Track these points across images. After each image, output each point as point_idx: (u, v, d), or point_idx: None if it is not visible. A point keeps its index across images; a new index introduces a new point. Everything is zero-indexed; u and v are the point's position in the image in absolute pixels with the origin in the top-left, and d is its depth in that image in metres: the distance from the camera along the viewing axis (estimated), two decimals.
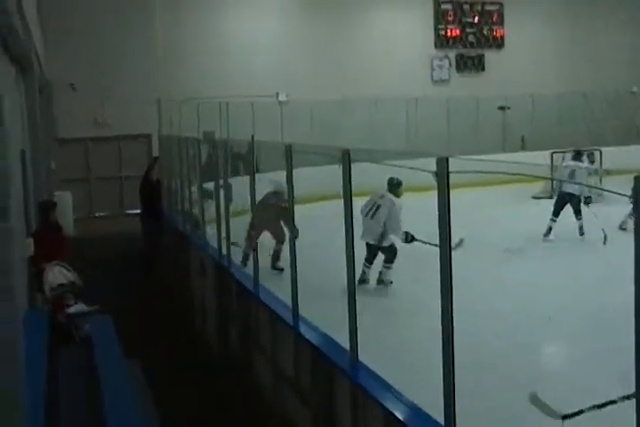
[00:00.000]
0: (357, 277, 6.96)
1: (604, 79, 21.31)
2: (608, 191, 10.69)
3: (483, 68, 21.53)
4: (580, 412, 3.98)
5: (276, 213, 8.13)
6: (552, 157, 15.17)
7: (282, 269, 8.18)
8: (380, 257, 8.13)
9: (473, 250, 8.83)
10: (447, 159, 3.52)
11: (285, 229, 7.46)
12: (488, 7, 21.55)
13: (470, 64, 21.43)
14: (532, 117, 19.84)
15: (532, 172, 13.13)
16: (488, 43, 21.59)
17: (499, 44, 21.75)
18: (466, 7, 21.24)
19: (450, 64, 21.17)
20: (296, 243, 5.87)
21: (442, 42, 21.09)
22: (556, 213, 11.02)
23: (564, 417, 3.90)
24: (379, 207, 7.96)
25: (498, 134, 19.76)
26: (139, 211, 13.49)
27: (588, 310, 6.86)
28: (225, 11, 18.19)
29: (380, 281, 8.19)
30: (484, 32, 21.54)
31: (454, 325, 3.49)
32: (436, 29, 21.01)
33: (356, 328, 4.64)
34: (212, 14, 17.91)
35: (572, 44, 21.96)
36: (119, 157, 17.41)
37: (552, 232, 10.80)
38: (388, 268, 8.17)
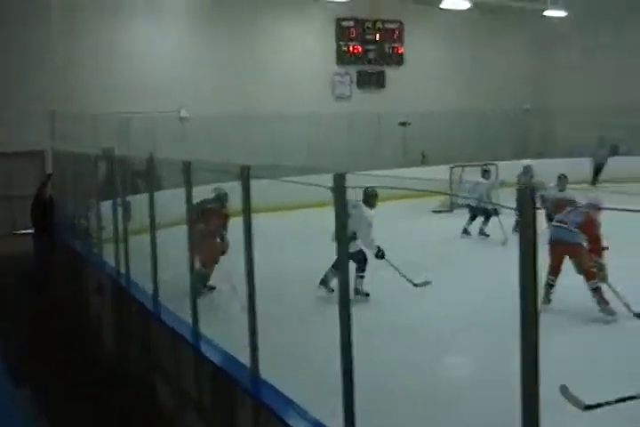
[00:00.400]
0: None
1: (500, 97, 22.25)
2: (497, 205, 11.25)
3: (383, 85, 22.06)
4: (605, 404, 4.20)
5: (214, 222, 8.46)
6: (451, 171, 15.67)
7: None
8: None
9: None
10: (344, 175, 3.59)
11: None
12: (388, 25, 22.13)
13: (371, 80, 21.93)
14: (432, 133, 20.43)
15: (432, 187, 13.57)
16: (388, 60, 22.16)
17: (398, 61, 22.35)
18: (367, 25, 21.74)
19: (351, 80, 21.57)
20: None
21: (343, 58, 21.46)
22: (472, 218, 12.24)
23: (587, 407, 4.14)
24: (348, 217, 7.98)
25: (398, 150, 20.24)
26: (31, 230, 12.93)
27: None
28: (127, 23, 17.72)
29: (357, 291, 8.16)
30: (385, 49, 22.10)
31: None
32: (338, 46, 21.39)
33: (257, 344, 4.59)
34: (114, 25, 17.38)
35: (470, 63, 22.81)
36: (9, 175, 16.53)
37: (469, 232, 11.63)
38: (361, 277, 8.26)
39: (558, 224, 7.51)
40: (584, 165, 19.63)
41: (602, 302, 7.19)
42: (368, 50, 21.87)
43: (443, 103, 21.20)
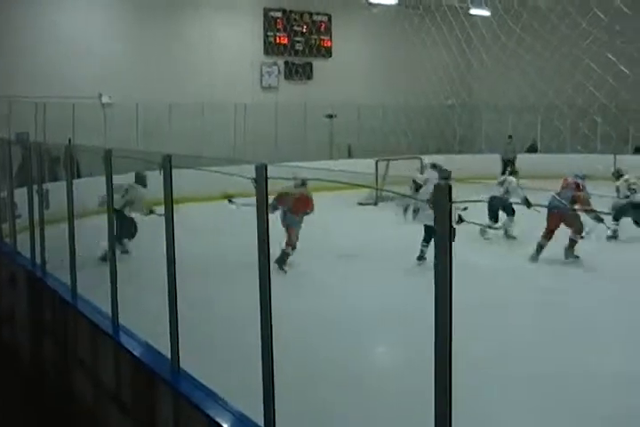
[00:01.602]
0: None
1: (425, 92, 22.58)
2: (418, 200, 11.40)
3: (311, 77, 22.13)
4: None
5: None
6: (377, 164, 15.84)
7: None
8: None
9: (308, 257, 9.09)
10: (265, 166, 3.57)
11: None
12: (316, 18, 22.21)
13: (298, 72, 21.96)
14: (358, 126, 20.63)
15: (359, 179, 13.71)
16: (316, 52, 22.23)
17: (326, 53, 22.45)
18: (295, 16, 21.73)
19: (279, 71, 21.55)
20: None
21: (271, 49, 21.44)
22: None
23: None
24: None
25: (325, 142, 20.36)
26: None
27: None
28: (50, 7, 17.12)
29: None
30: (312, 41, 22.16)
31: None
32: (266, 36, 21.30)
33: (178, 334, 4.54)
34: (35, 9, 16.79)
35: (396, 57, 22.98)
36: None
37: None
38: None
39: (559, 199, 9.74)
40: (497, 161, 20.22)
41: (570, 251, 9.60)
42: (296, 41, 21.90)
43: (369, 97, 21.44)
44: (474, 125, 24.37)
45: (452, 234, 2.62)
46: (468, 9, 23.07)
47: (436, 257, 2.68)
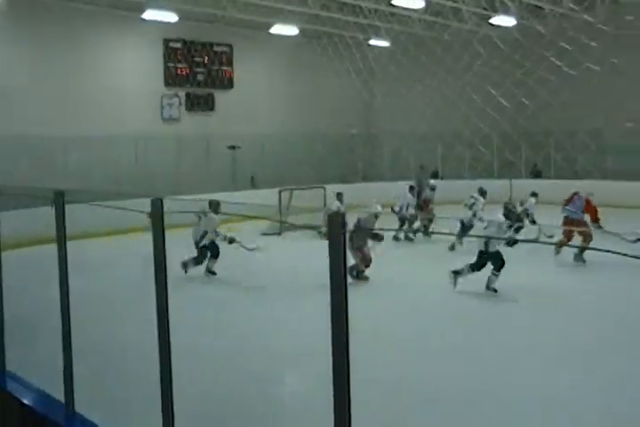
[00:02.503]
0: None
1: (328, 122, 22.97)
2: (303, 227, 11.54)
3: (213, 108, 22.05)
4: None
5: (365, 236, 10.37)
6: (280, 194, 15.85)
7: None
8: None
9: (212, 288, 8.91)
10: (161, 200, 3.55)
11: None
12: (217, 48, 22.21)
13: (200, 103, 21.83)
14: (262, 157, 20.66)
15: (262, 211, 13.66)
16: (218, 83, 22.19)
17: (228, 84, 22.46)
18: (195, 47, 21.64)
19: (180, 102, 21.34)
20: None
21: (172, 80, 21.18)
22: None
23: None
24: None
25: (228, 173, 20.25)
26: None
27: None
28: None
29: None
30: (214, 72, 22.13)
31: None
32: (166, 67, 21.07)
33: (72, 378, 4.33)
34: None
35: (299, 88, 23.35)
36: None
37: None
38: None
39: (569, 209, 11.72)
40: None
41: (580, 256, 11.29)
42: (197, 72, 21.78)
43: (273, 127, 21.59)
44: (378, 154, 24.90)
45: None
46: (368, 40, 23.75)
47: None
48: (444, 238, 12.75)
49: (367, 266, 10.39)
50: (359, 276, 10.36)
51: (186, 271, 10.57)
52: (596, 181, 18.90)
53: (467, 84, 20.25)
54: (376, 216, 10.54)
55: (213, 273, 10.84)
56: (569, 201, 11.93)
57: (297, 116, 22.90)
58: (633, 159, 20.16)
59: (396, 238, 14.44)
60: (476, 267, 9.37)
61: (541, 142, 21.69)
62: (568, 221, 11.73)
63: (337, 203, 15.09)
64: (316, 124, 22.60)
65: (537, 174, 23.18)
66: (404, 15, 22.10)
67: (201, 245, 10.84)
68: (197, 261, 10.80)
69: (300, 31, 21.79)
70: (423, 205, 15.20)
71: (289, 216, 15.07)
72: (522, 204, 13.21)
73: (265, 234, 14.84)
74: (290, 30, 21.37)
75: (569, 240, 11.82)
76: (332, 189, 16.53)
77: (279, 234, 14.82)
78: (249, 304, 8.76)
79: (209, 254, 10.85)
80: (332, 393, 2.64)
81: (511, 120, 20.72)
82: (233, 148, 20.44)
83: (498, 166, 22.95)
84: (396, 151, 24.06)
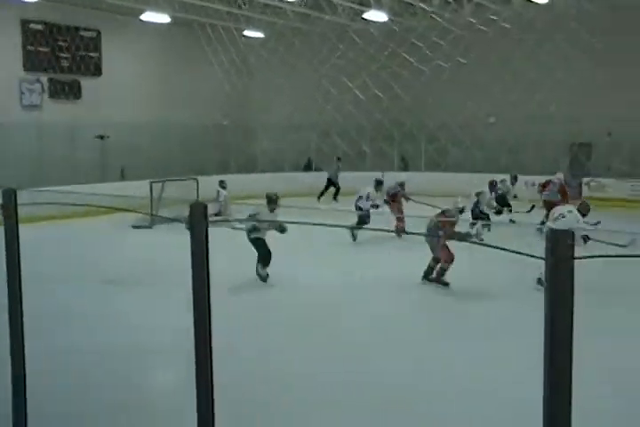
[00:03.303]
0: None
1: (202, 112, 22.41)
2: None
3: (79, 95, 20.89)
4: None
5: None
6: (151, 186, 15.25)
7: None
8: None
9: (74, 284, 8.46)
10: (15, 191, 3.47)
11: None
12: (83, 33, 21.02)
13: (65, 90, 20.58)
14: (132, 147, 19.83)
15: (132, 203, 13.10)
16: (84, 69, 21.00)
17: (96, 71, 21.34)
18: (59, 30, 20.27)
19: (43, 89, 20.03)
20: None
21: (32, 65, 19.73)
22: None
23: None
24: None
25: (97, 163, 19.29)
26: None
27: None
28: None
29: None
30: (80, 58, 20.90)
31: None
32: (26, 51, 19.61)
33: None
34: None
35: (172, 77, 22.58)
36: None
37: None
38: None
39: (547, 193, 13.82)
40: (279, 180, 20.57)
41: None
42: (61, 57, 20.43)
43: (144, 116, 20.77)
44: (253, 145, 24.66)
45: None
46: (243, 30, 23.41)
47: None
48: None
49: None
50: (442, 280, 9.24)
51: None
52: (465, 174, 19.66)
53: (340, 74, 20.45)
54: (461, 211, 9.83)
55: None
56: (545, 187, 14.05)
57: (170, 105, 22.13)
58: (497, 153, 21.12)
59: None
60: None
61: (413, 134, 22.27)
62: (547, 203, 13.38)
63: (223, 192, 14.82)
64: (190, 115, 22.01)
65: (405, 166, 23.83)
66: (279, 7, 21.94)
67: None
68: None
69: (173, 19, 21.08)
70: (390, 201, 14.00)
71: (160, 208, 14.50)
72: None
73: (136, 227, 14.27)
74: (161, 18, 20.63)
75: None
76: (206, 180, 16.17)
77: (150, 227, 14.27)
78: (107, 297, 8.33)
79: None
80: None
81: (386, 112, 21.14)
82: (102, 137, 19.51)
83: (371, 157, 23.36)
84: (270, 142, 23.93)
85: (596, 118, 18.05)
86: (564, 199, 13.39)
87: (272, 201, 9.50)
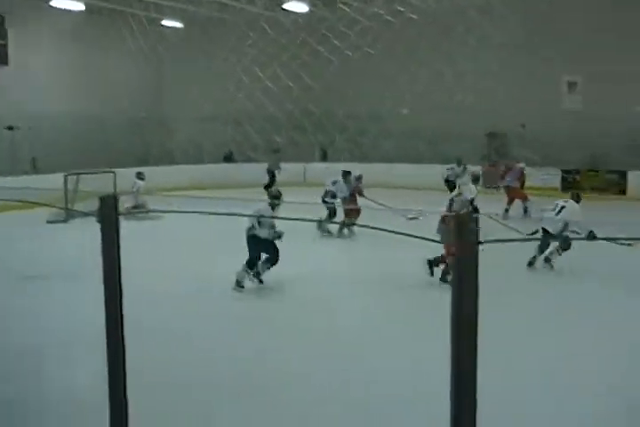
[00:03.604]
0: None
1: (118, 103, 21.83)
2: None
3: None
4: None
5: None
6: (66, 179, 14.75)
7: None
8: None
9: None
10: None
11: None
12: None
13: None
14: (44, 138, 19.15)
15: (46, 197, 12.70)
16: None
17: (2, 59, 20.36)
18: None
19: None
20: None
21: None
22: None
23: None
24: None
25: (5, 156, 18.49)
26: None
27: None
28: None
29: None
30: None
31: None
32: None
33: None
34: None
35: (85, 66, 21.92)
36: None
37: None
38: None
39: (509, 179, 14.59)
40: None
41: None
42: None
43: (56, 107, 20.06)
44: (171, 137, 24.26)
45: None
46: (161, 20, 22.93)
47: None
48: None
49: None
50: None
51: None
52: (377, 164, 19.99)
53: (255, 64, 20.38)
54: (472, 204, 9.26)
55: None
56: (506, 173, 14.87)
57: (83, 95, 21.45)
58: (409, 143, 21.53)
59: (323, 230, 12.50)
60: None
61: (326, 125, 22.43)
62: (509, 189, 14.53)
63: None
64: (107, 106, 21.42)
65: (324, 157, 23.95)
66: None
67: None
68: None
69: (87, 6, 20.41)
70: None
71: (76, 202, 14.04)
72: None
73: (50, 222, 13.78)
74: (74, 5, 19.95)
75: (510, 204, 14.37)
76: (124, 173, 15.77)
77: (65, 221, 13.82)
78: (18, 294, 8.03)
79: None
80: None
81: (297, 101, 21.20)
82: (11, 128, 18.71)
83: (286, 148, 23.36)
84: (187, 134, 23.61)
85: (510, 110, 18.61)
86: (522, 186, 14.73)
87: (276, 198, 9.02)
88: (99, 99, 21.37)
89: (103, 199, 2.73)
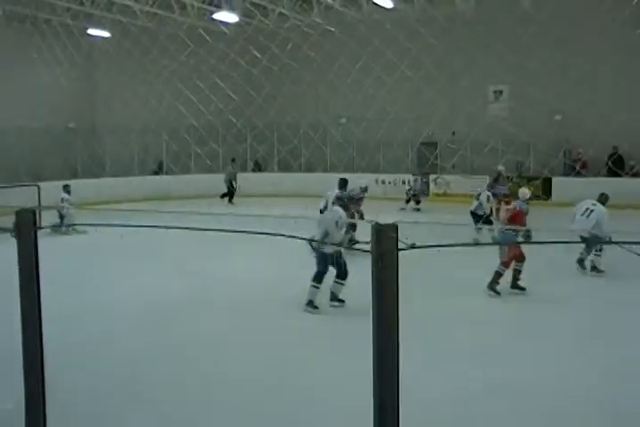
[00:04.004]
0: None
1: (42, 114, 21.17)
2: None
3: None
4: None
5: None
6: None
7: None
8: None
9: None
10: None
11: None
12: None
13: None
14: None
15: None
16: None
17: None
18: None
19: None
20: None
21: None
22: None
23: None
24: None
25: None
26: None
27: None
28: None
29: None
30: None
31: None
32: None
33: None
34: None
35: (7, 77, 21.20)
36: None
37: None
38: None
39: (501, 187, 14.70)
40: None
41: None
42: None
43: None
44: (100, 148, 23.69)
45: None
46: (86, 29, 22.43)
47: None
48: None
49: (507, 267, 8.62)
50: (516, 284, 8.63)
51: None
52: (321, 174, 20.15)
53: (191, 73, 20.14)
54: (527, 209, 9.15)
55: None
56: (496, 180, 15.16)
57: (6, 107, 20.72)
58: (349, 153, 21.73)
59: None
60: None
61: (266, 135, 22.39)
62: (504, 197, 13.84)
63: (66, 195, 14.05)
64: (30, 117, 20.72)
65: (258, 167, 23.96)
66: (125, 5, 21.19)
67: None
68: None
69: (5, 13, 19.82)
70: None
71: None
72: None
73: None
74: None
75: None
76: (50, 186, 15.31)
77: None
78: None
79: None
80: None
81: (237, 112, 21.08)
82: None
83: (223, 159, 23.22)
84: (119, 145, 23.12)
85: (441, 119, 18.88)
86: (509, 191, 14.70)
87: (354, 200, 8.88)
88: (22, 110, 20.67)
89: (20, 214, 2.65)
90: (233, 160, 21.26)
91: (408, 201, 18.36)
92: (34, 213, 2.73)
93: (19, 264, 2.58)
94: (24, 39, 21.02)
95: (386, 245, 2.14)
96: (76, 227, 13.69)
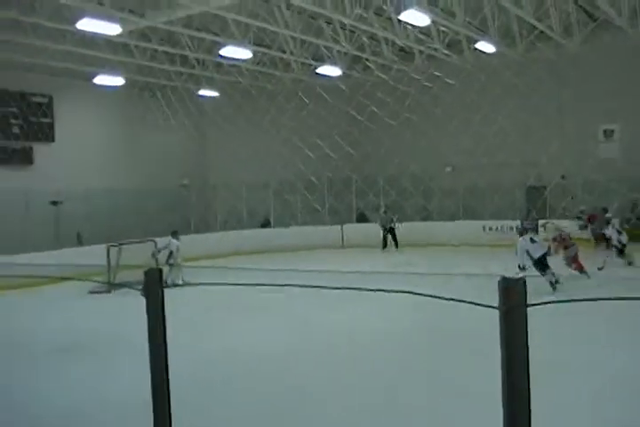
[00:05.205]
0: None
1: (158, 173, 22.33)
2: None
3: (31, 161, 20.66)
4: None
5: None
6: (108, 250, 14.91)
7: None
8: None
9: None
10: None
11: None
12: (34, 99, 20.95)
13: (16, 156, 20.32)
14: (88, 211, 19.57)
15: (88, 270, 12.80)
16: (36, 135, 20.84)
17: (48, 137, 21.19)
18: (10, 96, 20.15)
19: None
20: None
21: None
22: None
23: None
24: None
25: (51, 230, 18.89)
26: None
27: None
28: None
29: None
30: (32, 124, 20.76)
31: None
32: None
33: None
34: None
35: (126, 140, 22.70)
36: None
37: None
38: None
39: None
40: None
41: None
42: (12, 124, 20.31)
43: (99, 181, 20.61)
44: (210, 204, 24.58)
45: None
46: (198, 90, 23.65)
47: None
48: None
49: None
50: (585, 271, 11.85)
51: None
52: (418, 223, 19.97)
53: (293, 133, 20.64)
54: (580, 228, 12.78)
55: None
56: (590, 220, 16.28)
57: (125, 168, 22.10)
58: (453, 201, 21.44)
59: None
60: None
61: (365, 189, 22.47)
62: (598, 235, 15.44)
63: (174, 241, 14.51)
64: (147, 177, 21.92)
65: (362, 218, 23.90)
66: (232, 65, 22.21)
67: None
68: None
69: (127, 81, 21.26)
70: None
71: (119, 272, 14.17)
72: None
73: (93, 292, 13.89)
74: (115, 81, 20.80)
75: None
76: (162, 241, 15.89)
77: (109, 292, 13.92)
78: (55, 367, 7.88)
79: None
80: None
81: (337, 168, 21.35)
82: (55, 203, 19.20)
83: (326, 213, 23.39)
84: (227, 202, 23.85)
85: (548, 163, 18.40)
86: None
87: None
88: (140, 170, 21.92)
89: (148, 273, 2.72)
90: (386, 211, 21.06)
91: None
92: (160, 271, 2.80)
93: (148, 323, 2.64)
94: (143, 104, 22.42)
95: (514, 299, 2.06)
96: (184, 278, 13.90)
